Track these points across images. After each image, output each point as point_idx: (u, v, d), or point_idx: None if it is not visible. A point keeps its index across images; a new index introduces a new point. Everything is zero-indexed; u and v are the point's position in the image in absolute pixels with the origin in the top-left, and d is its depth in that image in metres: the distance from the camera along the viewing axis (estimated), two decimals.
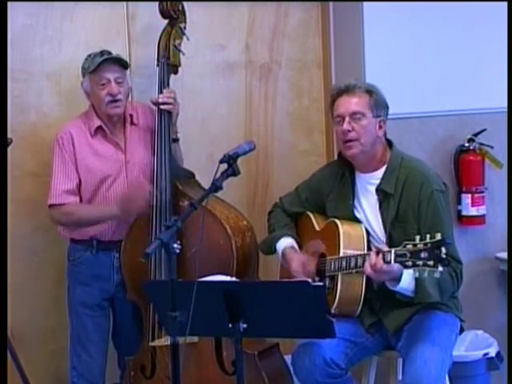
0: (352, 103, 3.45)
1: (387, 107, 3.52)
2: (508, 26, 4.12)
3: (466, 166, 4.28)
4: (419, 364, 3.26)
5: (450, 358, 3.38)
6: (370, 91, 3.47)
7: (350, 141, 3.44)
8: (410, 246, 3.08)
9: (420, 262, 3.03)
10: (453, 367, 3.42)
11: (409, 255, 3.07)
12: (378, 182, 3.49)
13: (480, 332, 4.15)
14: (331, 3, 4.44)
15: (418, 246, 3.05)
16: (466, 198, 4.27)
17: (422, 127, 4.24)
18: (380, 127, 3.48)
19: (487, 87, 4.28)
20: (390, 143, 3.55)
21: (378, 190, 3.48)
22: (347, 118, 3.44)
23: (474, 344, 4.07)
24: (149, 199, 3.70)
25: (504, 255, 4.26)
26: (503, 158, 4.30)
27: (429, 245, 3.02)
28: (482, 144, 4.29)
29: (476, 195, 4.27)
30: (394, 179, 3.46)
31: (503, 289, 4.33)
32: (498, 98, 4.18)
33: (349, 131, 3.43)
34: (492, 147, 4.30)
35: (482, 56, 4.28)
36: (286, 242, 3.64)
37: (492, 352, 4.00)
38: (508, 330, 3.82)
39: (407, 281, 3.26)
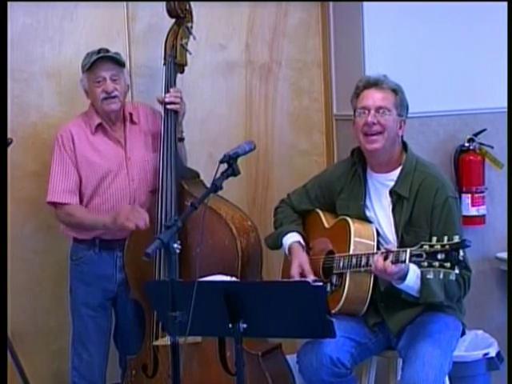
0: (379, 98, 3.43)
1: (407, 109, 3.51)
2: (508, 25, 4.12)
3: (466, 165, 4.28)
4: (418, 365, 3.25)
5: (449, 364, 3.35)
6: (396, 90, 3.46)
7: (374, 134, 3.41)
8: (426, 247, 3.06)
9: (436, 263, 3.02)
10: (453, 367, 3.41)
11: (425, 256, 3.05)
12: (391, 183, 3.47)
13: (480, 332, 4.15)
14: (331, 3, 4.44)
15: (435, 246, 3.04)
16: (466, 198, 4.27)
17: (422, 127, 4.25)
18: (400, 127, 3.47)
19: (487, 87, 4.28)
20: (404, 145, 3.54)
21: (392, 192, 3.46)
22: (372, 111, 3.41)
23: (474, 344, 4.07)
24: (141, 227, 3.68)
25: (504, 255, 4.26)
26: (503, 158, 4.30)
27: (447, 246, 3.01)
28: (482, 144, 4.29)
29: (476, 195, 4.27)
30: (409, 182, 3.44)
31: (503, 289, 4.33)
32: (498, 98, 4.18)
33: (373, 124, 3.41)
34: (492, 147, 4.30)
35: (483, 56, 4.28)
36: (292, 238, 3.63)
37: (492, 352, 4.00)
38: (508, 330, 3.81)
39: (413, 280, 3.26)
